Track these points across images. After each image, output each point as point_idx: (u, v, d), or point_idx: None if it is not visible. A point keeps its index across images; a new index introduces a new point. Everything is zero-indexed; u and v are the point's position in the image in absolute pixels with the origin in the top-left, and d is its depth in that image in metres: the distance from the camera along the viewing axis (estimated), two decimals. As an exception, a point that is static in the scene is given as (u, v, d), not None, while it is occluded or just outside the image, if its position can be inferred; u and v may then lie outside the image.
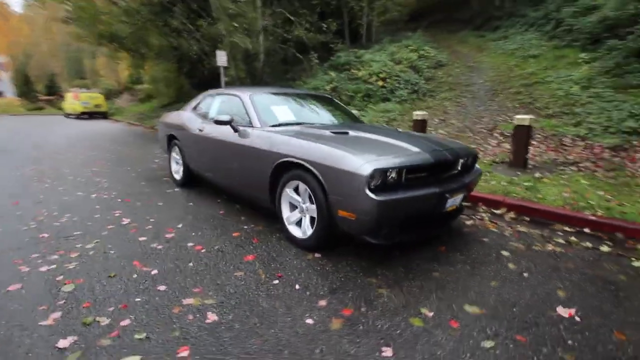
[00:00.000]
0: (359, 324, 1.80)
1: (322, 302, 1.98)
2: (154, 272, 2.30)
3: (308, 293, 2.08)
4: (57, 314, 1.84)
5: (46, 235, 2.92)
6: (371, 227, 2.26)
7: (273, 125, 3.14)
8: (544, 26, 12.86)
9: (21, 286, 2.10)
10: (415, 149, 2.51)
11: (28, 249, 2.63)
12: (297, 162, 2.55)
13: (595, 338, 1.71)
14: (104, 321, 1.78)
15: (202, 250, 2.64)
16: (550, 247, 2.75)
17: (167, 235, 2.94)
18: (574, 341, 1.69)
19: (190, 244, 2.76)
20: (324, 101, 4.11)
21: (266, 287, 2.13)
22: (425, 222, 2.63)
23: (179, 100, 18.14)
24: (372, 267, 2.38)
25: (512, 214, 3.44)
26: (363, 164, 2.19)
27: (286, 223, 2.80)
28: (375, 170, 2.16)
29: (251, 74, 12.05)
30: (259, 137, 2.99)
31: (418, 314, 1.88)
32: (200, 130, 3.86)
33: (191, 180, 4.42)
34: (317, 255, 2.56)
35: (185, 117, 4.31)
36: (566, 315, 1.88)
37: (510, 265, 2.44)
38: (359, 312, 1.89)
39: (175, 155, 4.64)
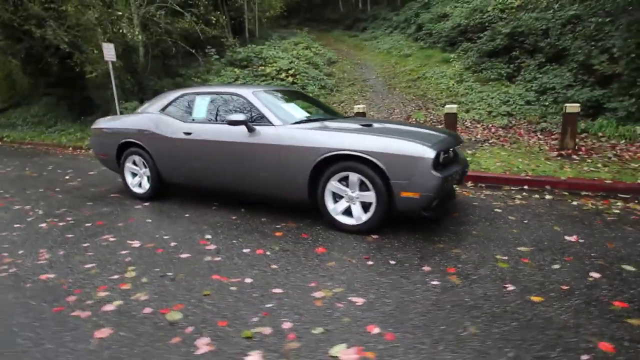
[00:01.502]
0: (468, 275, 2.21)
1: (427, 268, 2.31)
2: (248, 280, 2.20)
3: (407, 264, 2.37)
4: None
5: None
6: (430, 202, 2.67)
7: (295, 123, 3.20)
8: (407, 29, 15.15)
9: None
10: (441, 135, 3.03)
11: None
12: (350, 154, 2.75)
13: (599, 247, 2.53)
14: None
15: (268, 253, 2.60)
16: (517, 201, 3.67)
17: (208, 248, 2.74)
18: (590, 252, 2.47)
19: (246, 250, 2.66)
20: (305, 97, 4.29)
21: (369, 269, 2.33)
22: (447, 195, 3.19)
23: (19, 104, 14.67)
24: (429, 237, 2.80)
25: (471, 183, 4.34)
26: (427, 149, 2.57)
27: (333, 214, 2.96)
28: (438, 153, 2.59)
29: (130, 70, 10.63)
30: (287, 135, 3.02)
31: (499, 259, 2.40)
32: (187, 133, 3.55)
33: (159, 192, 4.00)
34: (374, 236, 2.83)
35: (154, 120, 3.83)
36: (574, 240, 2.69)
37: (511, 217, 3.21)
38: (459, 269, 2.30)
39: (132, 165, 4.08)
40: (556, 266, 2.30)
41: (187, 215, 3.52)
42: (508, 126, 6.15)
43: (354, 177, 2.81)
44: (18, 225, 3.41)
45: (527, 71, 8.19)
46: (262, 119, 3.25)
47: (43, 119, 12.52)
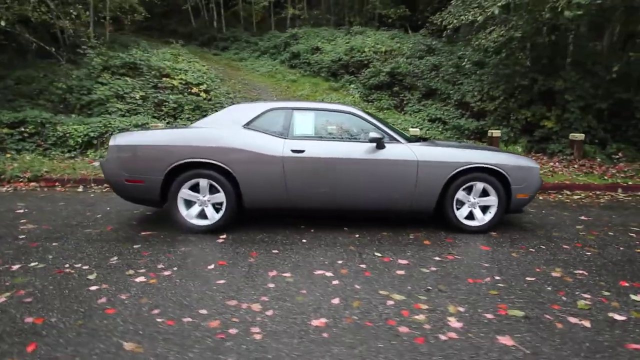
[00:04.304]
0: (575, 261, 3.23)
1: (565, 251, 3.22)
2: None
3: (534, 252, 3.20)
4: None
5: None
6: (530, 201, 3.62)
7: (410, 141, 3.55)
8: (278, 55, 16.19)
9: None
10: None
11: None
12: (479, 167, 3.39)
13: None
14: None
15: (430, 269, 2.91)
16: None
17: (399, 272, 2.80)
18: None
19: (426, 269, 2.88)
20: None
21: (519, 260, 3.03)
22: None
23: None
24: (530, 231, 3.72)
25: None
26: (534, 162, 3.52)
27: (460, 218, 3.49)
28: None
29: None
30: (422, 152, 3.37)
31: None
32: (297, 151, 3.30)
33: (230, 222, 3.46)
34: (493, 233, 3.54)
35: (241, 136, 3.31)
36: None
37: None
38: (569, 247, 3.29)
39: (190, 192, 3.35)
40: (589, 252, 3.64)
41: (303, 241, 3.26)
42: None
43: (479, 185, 3.46)
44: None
45: (409, 104, 10.49)
46: (390, 137, 3.44)
47: None
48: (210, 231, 3.39)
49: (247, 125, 3.41)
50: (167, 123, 8.18)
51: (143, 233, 3.41)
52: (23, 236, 3.30)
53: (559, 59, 7.04)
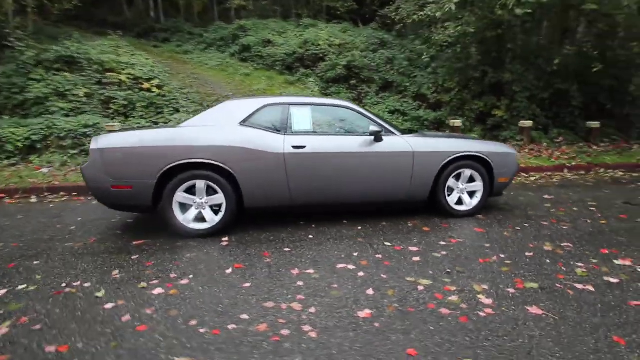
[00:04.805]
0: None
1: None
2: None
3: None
4: None
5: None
6: (509, 184, 3.96)
7: (403, 133, 3.68)
8: (227, 48, 15.64)
9: None
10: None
11: None
12: (471, 155, 3.63)
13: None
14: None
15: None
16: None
17: (415, 259, 2.93)
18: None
19: (437, 254, 3.06)
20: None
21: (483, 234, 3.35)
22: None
23: None
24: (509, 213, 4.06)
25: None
26: (511, 148, 3.85)
27: (451, 204, 3.72)
28: (514, 150, 3.93)
29: None
30: (417, 143, 3.53)
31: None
32: (298, 147, 3.27)
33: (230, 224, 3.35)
34: (479, 216, 3.82)
35: (239, 133, 3.19)
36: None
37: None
38: (547, 223, 3.68)
39: (186, 195, 3.17)
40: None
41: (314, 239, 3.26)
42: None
43: (467, 172, 3.71)
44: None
45: (368, 96, 10.78)
46: (386, 130, 3.54)
47: None
48: (209, 235, 3.25)
49: (244, 122, 3.30)
50: (121, 123, 7.55)
51: (135, 242, 3.16)
52: (-8, 257, 2.90)
53: (504, 53, 7.70)
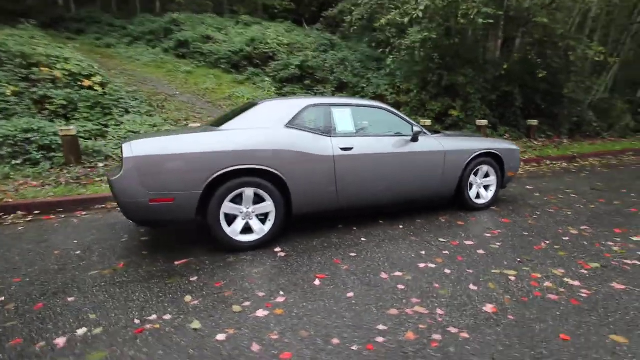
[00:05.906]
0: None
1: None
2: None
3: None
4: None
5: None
6: (513, 177, 4.38)
7: (432, 133, 3.84)
8: (160, 43, 14.43)
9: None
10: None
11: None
12: (488, 152, 3.94)
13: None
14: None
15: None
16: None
17: (480, 252, 3.09)
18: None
19: (494, 245, 3.27)
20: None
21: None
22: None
23: None
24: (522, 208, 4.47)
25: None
26: (515, 145, 4.27)
27: (473, 198, 3.99)
28: (516, 146, 4.37)
29: None
30: (446, 142, 3.72)
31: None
32: (346, 149, 3.19)
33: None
34: (494, 208, 4.15)
35: (286, 136, 2.98)
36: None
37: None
38: (553, 211, 4.17)
39: (233, 205, 2.89)
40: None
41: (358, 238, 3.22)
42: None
43: (485, 168, 4.02)
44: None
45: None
46: (418, 130, 3.62)
47: None
48: (257, 247, 3.00)
49: (290, 124, 3.11)
50: (61, 125, 6.46)
51: (178, 262, 2.77)
52: (2, 298, 2.29)
53: (457, 58, 8.46)
